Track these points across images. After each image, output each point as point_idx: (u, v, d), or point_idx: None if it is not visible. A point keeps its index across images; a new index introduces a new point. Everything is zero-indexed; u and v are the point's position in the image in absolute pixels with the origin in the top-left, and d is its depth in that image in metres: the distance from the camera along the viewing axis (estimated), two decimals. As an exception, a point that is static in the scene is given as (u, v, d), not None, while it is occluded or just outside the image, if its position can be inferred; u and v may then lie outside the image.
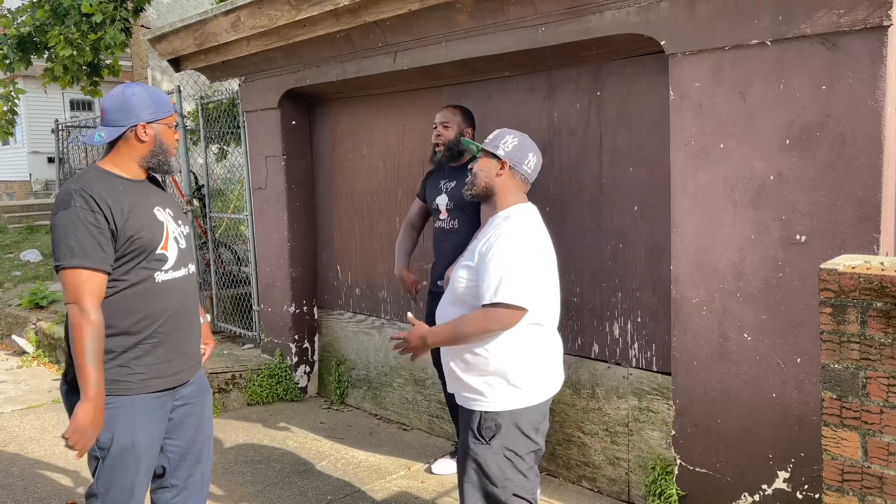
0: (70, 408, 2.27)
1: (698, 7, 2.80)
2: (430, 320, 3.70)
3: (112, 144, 2.33)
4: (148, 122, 2.31)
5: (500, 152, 2.50)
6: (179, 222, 2.44)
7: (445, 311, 2.52)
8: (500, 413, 2.36)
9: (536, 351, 2.41)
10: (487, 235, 2.43)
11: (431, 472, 3.81)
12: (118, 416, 2.25)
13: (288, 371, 5.06)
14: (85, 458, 2.30)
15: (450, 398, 3.79)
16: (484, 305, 2.31)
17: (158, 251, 2.30)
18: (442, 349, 2.54)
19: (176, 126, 2.42)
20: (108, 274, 2.21)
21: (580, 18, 3.12)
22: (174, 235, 2.37)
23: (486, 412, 2.38)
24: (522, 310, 2.29)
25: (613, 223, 3.40)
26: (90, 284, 2.16)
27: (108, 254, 2.20)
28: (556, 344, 2.54)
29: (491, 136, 2.57)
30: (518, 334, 2.35)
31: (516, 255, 2.31)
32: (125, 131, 2.29)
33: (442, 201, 3.60)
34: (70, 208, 2.18)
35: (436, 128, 3.57)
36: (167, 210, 2.40)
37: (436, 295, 3.64)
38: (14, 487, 3.71)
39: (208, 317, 2.76)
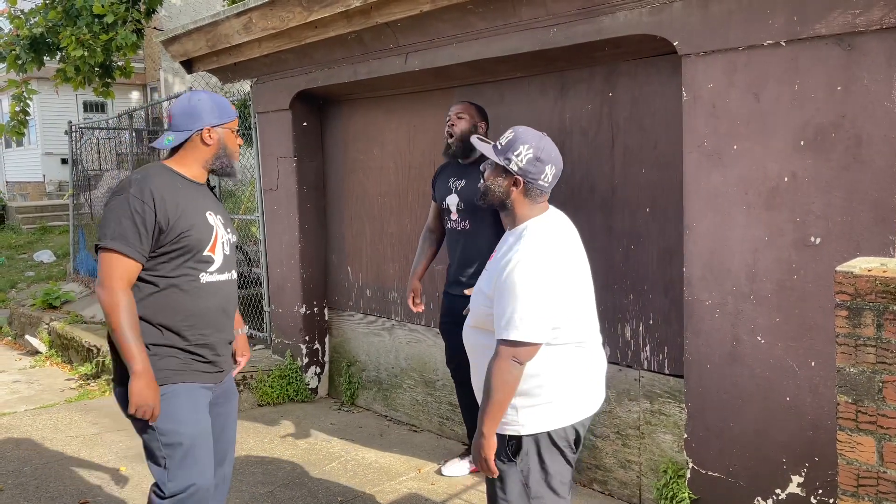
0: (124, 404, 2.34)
1: (712, 7, 2.79)
2: (445, 320, 3.71)
3: (177, 148, 2.44)
4: (213, 126, 2.41)
5: (513, 167, 2.21)
6: (228, 230, 2.52)
7: (469, 336, 2.41)
8: (527, 437, 2.23)
9: (564, 370, 2.25)
10: (501, 257, 2.24)
11: (441, 474, 3.80)
12: (180, 405, 2.33)
13: (298, 372, 5.06)
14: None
15: (461, 399, 3.78)
16: (497, 339, 2.14)
17: (206, 252, 2.38)
18: (472, 376, 2.40)
19: (238, 131, 2.52)
20: (142, 265, 2.29)
21: (592, 19, 3.11)
22: (222, 241, 2.45)
23: (510, 436, 2.25)
24: (533, 345, 2.11)
25: (625, 224, 3.38)
26: (121, 268, 2.24)
27: (146, 245, 2.27)
28: (592, 361, 2.33)
29: (504, 141, 2.26)
30: (542, 359, 2.19)
31: (527, 286, 2.10)
32: (192, 135, 2.40)
33: (452, 201, 3.55)
34: (124, 194, 2.28)
35: (448, 119, 3.52)
36: (218, 216, 2.48)
37: (451, 296, 3.63)
38: (27, 486, 3.74)
39: (247, 328, 2.84)
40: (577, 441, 2.32)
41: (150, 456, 2.38)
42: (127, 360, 2.23)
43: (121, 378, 2.34)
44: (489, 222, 3.43)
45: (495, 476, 2.22)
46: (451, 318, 3.64)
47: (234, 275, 2.53)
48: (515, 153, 2.21)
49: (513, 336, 2.08)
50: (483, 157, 3.48)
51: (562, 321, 2.18)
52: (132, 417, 2.32)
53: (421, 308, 3.80)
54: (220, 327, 2.45)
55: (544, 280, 2.12)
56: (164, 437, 2.32)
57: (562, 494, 2.30)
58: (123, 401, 2.33)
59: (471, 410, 3.68)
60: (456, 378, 3.75)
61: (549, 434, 2.23)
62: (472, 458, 2.32)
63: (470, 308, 2.38)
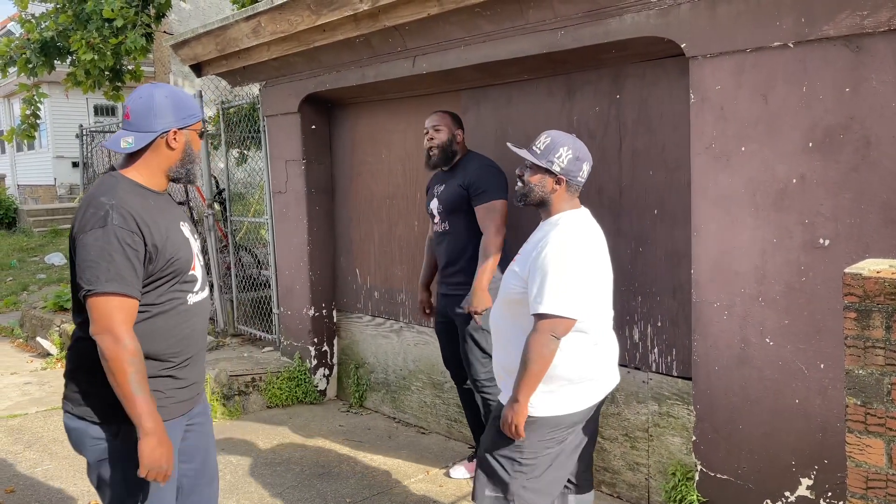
0: (98, 450, 2.10)
1: (719, 9, 2.78)
2: (438, 320, 3.78)
3: (135, 152, 2.13)
4: (179, 129, 2.12)
5: (555, 168, 2.43)
6: (195, 237, 2.30)
7: (497, 316, 2.54)
8: (540, 418, 2.37)
9: (583, 359, 2.39)
10: (536, 242, 2.42)
11: (449, 477, 3.81)
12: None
13: (307, 374, 5.08)
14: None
15: (464, 399, 3.79)
16: (533, 314, 2.30)
17: (190, 272, 2.16)
18: (494, 355, 2.58)
19: (201, 134, 2.24)
20: (139, 301, 2.04)
21: (600, 22, 3.11)
22: (196, 252, 2.23)
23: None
24: (570, 319, 2.28)
25: (633, 227, 3.38)
26: (124, 311, 1.98)
27: (140, 280, 2.03)
28: (607, 350, 2.51)
29: (542, 146, 2.47)
30: (564, 343, 2.34)
31: (562, 264, 2.29)
32: (156, 138, 2.10)
33: (434, 206, 3.66)
34: (107, 227, 1.97)
35: (427, 132, 3.60)
36: (186, 224, 2.25)
37: (440, 296, 3.72)
38: (38, 488, 3.76)
39: None
40: (591, 424, 2.49)
41: (108, 497, 2.15)
42: (136, 417, 1.97)
43: (101, 413, 2.07)
44: (464, 223, 3.54)
45: (522, 439, 2.35)
46: (442, 318, 3.74)
47: (207, 289, 2.30)
48: (556, 155, 2.44)
49: (552, 311, 2.25)
50: (461, 160, 3.57)
51: (587, 307, 2.35)
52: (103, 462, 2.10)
53: (433, 315, 3.86)
54: (202, 346, 2.27)
55: (576, 262, 2.32)
56: (128, 479, 2.08)
57: (552, 473, 2.43)
58: (91, 440, 2.09)
59: (474, 412, 3.69)
60: (453, 379, 3.79)
61: (562, 418, 2.38)
62: (501, 423, 2.36)
63: (501, 291, 2.52)
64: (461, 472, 3.80)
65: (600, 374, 2.47)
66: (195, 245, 2.24)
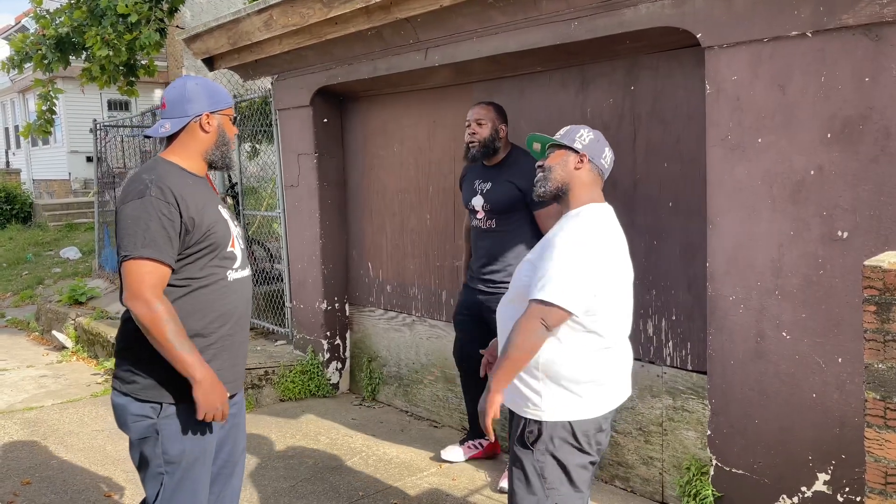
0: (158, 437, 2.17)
1: (735, -2, 2.75)
2: (462, 313, 3.75)
3: (174, 137, 2.27)
4: (211, 113, 2.27)
5: (577, 146, 2.34)
6: (236, 223, 2.38)
7: (503, 311, 2.41)
8: (548, 423, 2.23)
9: (592, 362, 2.24)
10: (557, 231, 2.30)
11: (441, 458, 3.88)
12: (191, 425, 2.18)
13: (320, 367, 5.09)
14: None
15: (467, 390, 3.79)
16: (529, 299, 2.18)
17: (228, 249, 2.25)
18: (499, 339, 2.43)
19: (234, 120, 2.38)
20: (172, 270, 2.13)
21: (614, 12, 3.08)
22: (235, 234, 2.31)
23: (529, 419, 2.26)
24: (564, 311, 2.13)
25: (648, 219, 3.35)
26: (154, 276, 2.08)
27: (175, 249, 2.12)
28: (620, 357, 2.35)
29: (563, 132, 2.40)
30: (571, 342, 2.21)
31: (572, 254, 2.16)
32: (189, 121, 2.24)
33: (478, 202, 3.56)
34: (145, 197, 2.09)
35: (469, 125, 3.50)
36: (225, 209, 2.34)
37: (470, 290, 3.67)
38: (54, 480, 3.79)
39: None
40: (599, 438, 2.30)
41: (148, 474, 2.22)
42: (185, 371, 2.09)
43: (143, 391, 2.16)
44: (517, 224, 3.45)
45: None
46: (467, 311, 3.68)
47: (249, 270, 2.39)
48: (577, 135, 2.37)
49: (545, 297, 2.12)
50: (509, 157, 3.49)
51: (599, 308, 2.20)
52: (140, 440, 2.19)
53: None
54: (243, 328, 2.33)
55: (587, 255, 2.17)
56: (167, 456, 2.17)
57: (579, 488, 2.28)
58: (132, 417, 2.17)
59: (474, 399, 3.69)
60: (464, 369, 3.79)
61: (570, 424, 2.22)
62: (479, 416, 2.24)
63: (512, 282, 2.40)
64: (453, 454, 3.82)
65: (611, 381, 2.30)
66: (234, 227, 2.32)
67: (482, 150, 3.47)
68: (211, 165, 2.34)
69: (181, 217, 2.12)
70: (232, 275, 2.26)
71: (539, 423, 2.24)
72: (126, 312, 2.22)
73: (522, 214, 3.44)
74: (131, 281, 2.07)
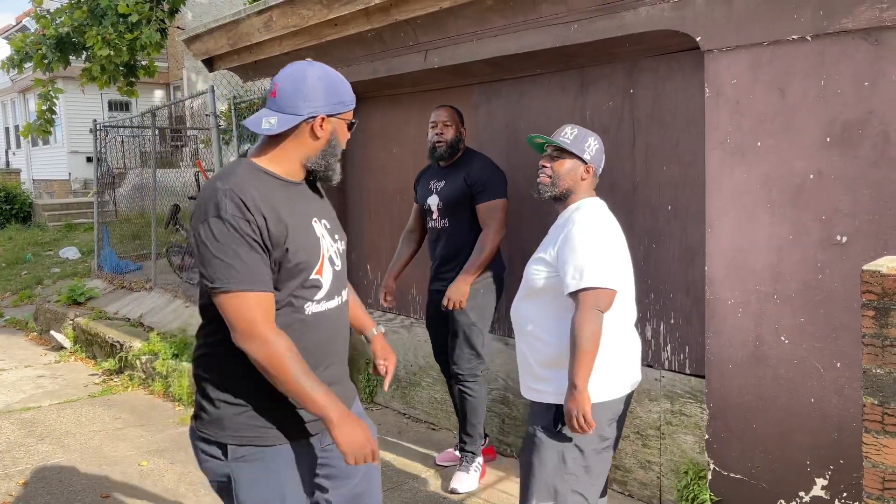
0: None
1: (735, 2, 2.74)
2: (430, 315, 3.78)
3: (274, 135, 1.87)
4: (328, 116, 1.88)
5: (586, 157, 2.48)
6: (336, 237, 2.01)
7: (520, 307, 2.50)
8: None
9: (611, 343, 2.32)
10: (561, 226, 2.42)
11: (436, 464, 3.86)
12: (262, 472, 1.88)
13: (318, 369, 5.07)
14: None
15: (453, 394, 3.76)
16: (570, 294, 2.25)
17: (313, 276, 1.88)
18: (517, 337, 2.50)
19: (351, 126, 1.99)
20: (274, 293, 1.82)
21: (613, 15, 3.08)
22: (329, 255, 1.94)
23: (550, 404, 2.34)
24: (610, 290, 2.26)
25: (646, 223, 3.35)
26: (262, 308, 1.77)
27: (269, 269, 1.80)
28: (633, 341, 2.48)
29: (570, 136, 2.49)
30: None
31: (593, 238, 2.30)
32: (300, 123, 1.85)
33: (433, 202, 3.66)
34: (221, 217, 1.74)
35: (435, 126, 3.60)
36: (323, 221, 1.97)
37: (434, 292, 3.74)
38: (50, 480, 3.78)
39: (382, 328, 2.34)
40: (617, 423, 2.39)
41: None
42: (317, 413, 1.80)
43: (216, 432, 1.88)
44: (466, 221, 3.56)
45: (592, 429, 2.23)
46: (435, 312, 3.73)
47: (346, 295, 2.04)
48: (587, 145, 2.50)
49: (590, 283, 2.22)
50: (463, 157, 3.59)
51: (619, 287, 2.32)
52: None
53: (392, 304, 3.90)
54: (329, 362, 1.97)
55: (606, 238, 2.35)
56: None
57: (597, 475, 2.34)
58: (203, 455, 1.92)
59: (462, 404, 3.65)
60: (446, 372, 3.80)
61: (593, 406, 2.28)
62: (566, 418, 2.22)
63: (525, 281, 2.49)
64: (466, 484, 3.70)
65: (627, 363, 2.41)
66: (329, 245, 1.95)
67: (448, 150, 3.60)
68: (309, 173, 1.95)
69: (263, 232, 1.78)
70: (311, 307, 1.90)
71: (561, 406, 2.30)
72: (200, 339, 1.97)
73: (468, 208, 3.55)
74: (238, 319, 1.76)
